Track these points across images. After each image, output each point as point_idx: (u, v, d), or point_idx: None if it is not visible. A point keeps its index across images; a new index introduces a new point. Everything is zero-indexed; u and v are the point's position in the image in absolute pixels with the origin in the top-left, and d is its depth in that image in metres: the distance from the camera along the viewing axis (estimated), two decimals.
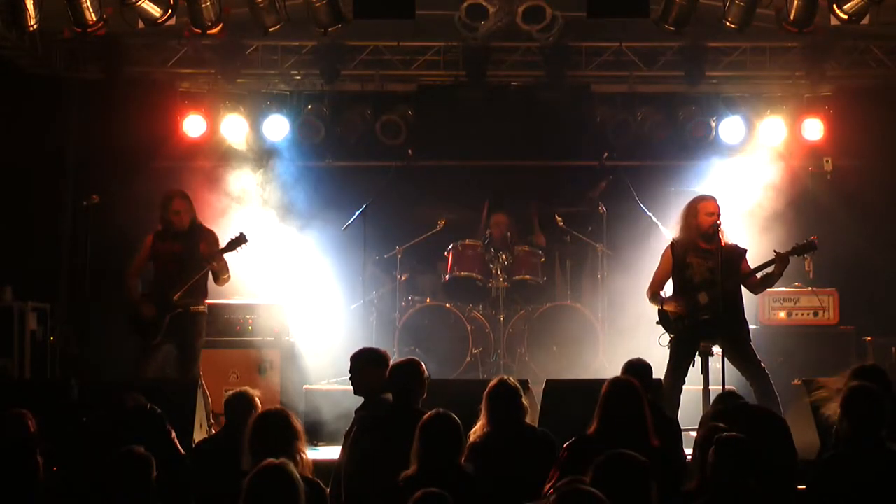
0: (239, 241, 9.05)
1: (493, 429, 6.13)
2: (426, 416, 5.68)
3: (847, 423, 5.40)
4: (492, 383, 6.30)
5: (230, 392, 6.94)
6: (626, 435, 5.60)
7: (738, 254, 8.65)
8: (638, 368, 6.86)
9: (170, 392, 7.83)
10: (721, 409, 6.38)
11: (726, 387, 8.04)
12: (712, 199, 8.71)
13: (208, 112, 11.79)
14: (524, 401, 6.30)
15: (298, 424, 5.66)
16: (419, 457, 5.51)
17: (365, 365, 6.94)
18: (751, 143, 11.88)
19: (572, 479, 4.66)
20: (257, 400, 6.74)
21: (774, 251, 8.52)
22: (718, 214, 8.54)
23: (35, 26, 9.27)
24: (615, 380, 6.07)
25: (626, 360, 7.05)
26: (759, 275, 8.58)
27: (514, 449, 6.05)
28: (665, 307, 8.61)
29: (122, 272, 9.33)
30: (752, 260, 8.69)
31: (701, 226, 8.55)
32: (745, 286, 8.63)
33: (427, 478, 5.17)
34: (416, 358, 6.86)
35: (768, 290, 9.01)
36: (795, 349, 10.54)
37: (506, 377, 6.35)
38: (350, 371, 6.99)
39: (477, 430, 6.19)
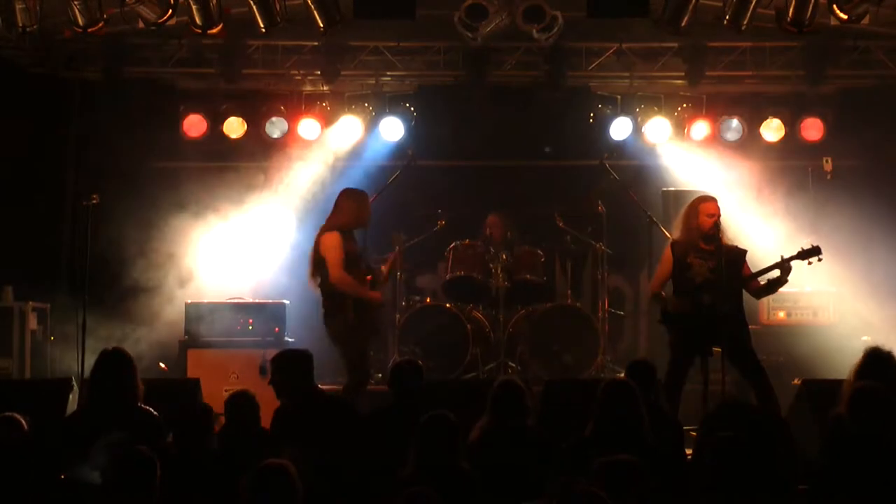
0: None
1: (494, 427, 6.14)
2: (425, 416, 5.70)
3: (854, 422, 5.39)
4: (498, 381, 6.32)
5: (230, 392, 6.94)
6: (622, 436, 5.61)
7: (739, 254, 8.63)
8: (642, 369, 6.86)
9: (170, 392, 7.83)
10: (721, 409, 6.39)
11: (726, 387, 8.04)
12: (713, 199, 8.69)
13: (208, 112, 11.79)
14: (528, 401, 6.31)
15: None
16: (415, 456, 5.54)
17: (286, 365, 6.96)
18: (751, 143, 11.88)
19: (572, 479, 4.66)
20: (257, 400, 6.75)
21: (781, 257, 8.44)
22: (719, 215, 8.53)
23: (35, 26, 9.27)
24: (611, 381, 6.08)
25: (626, 360, 7.05)
26: (761, 280, 8.54)
27: (512, 448, 6.05)
28: (667, 308, 8.60)
29: (121, 272, 9.24)
30: (751, 261, 8.67)
31: (701, 227, 8.53)
32: (746, 290, 8.57)
33: (423, 477, 5.19)
34: (414, 358, 6.87)
35: None
36: (795, 349, 10.53)
37: (514, 377, 6.36)
38: (272, 373, 7.01)
39: (477, 428, 6.20)
